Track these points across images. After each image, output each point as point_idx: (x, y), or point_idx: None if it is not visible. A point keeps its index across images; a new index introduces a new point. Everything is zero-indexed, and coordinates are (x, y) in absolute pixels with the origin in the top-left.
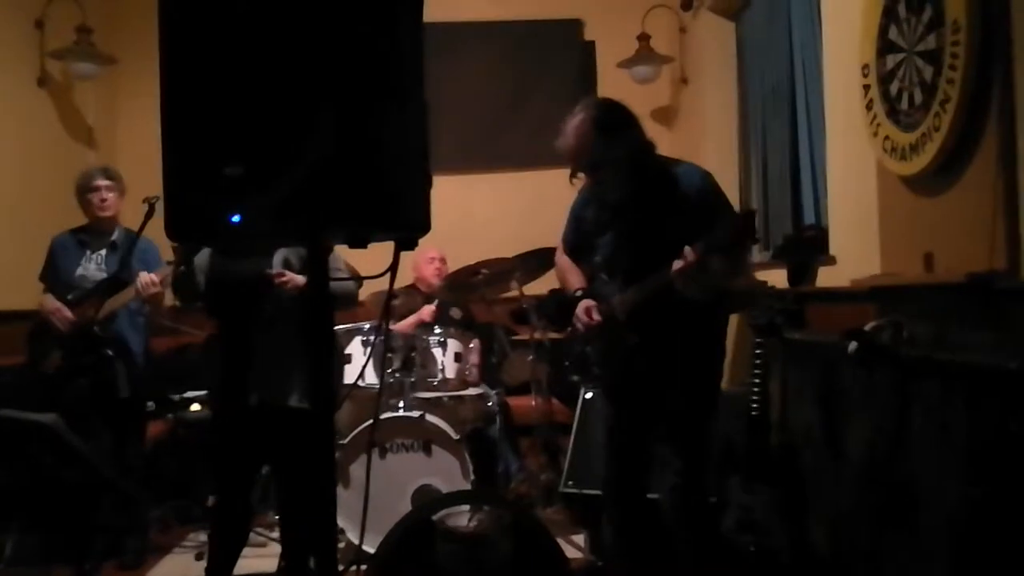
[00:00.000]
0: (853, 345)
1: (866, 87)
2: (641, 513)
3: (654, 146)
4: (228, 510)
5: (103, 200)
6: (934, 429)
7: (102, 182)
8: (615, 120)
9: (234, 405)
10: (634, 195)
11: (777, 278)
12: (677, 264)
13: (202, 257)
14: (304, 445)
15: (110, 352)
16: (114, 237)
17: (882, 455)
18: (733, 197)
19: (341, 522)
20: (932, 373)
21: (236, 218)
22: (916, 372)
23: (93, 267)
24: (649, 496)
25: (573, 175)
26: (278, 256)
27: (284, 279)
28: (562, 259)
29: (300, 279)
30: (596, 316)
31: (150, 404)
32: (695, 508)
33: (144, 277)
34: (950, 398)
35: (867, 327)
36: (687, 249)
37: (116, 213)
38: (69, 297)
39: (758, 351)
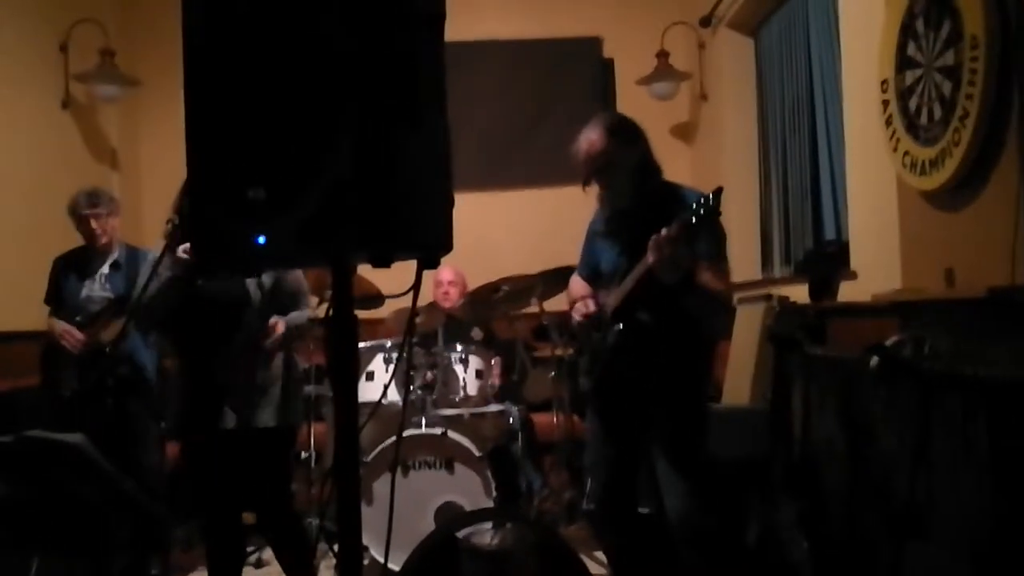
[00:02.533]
0: (875, 360)
1: (885, 102)
2: (633, 527)
3: (660, 168)
4: (216, 533)
5: (92, 230)
6: (956, 444)
7: (87, 212)
8: (627, 129)
9: (206, 429)
10: (638, 205)
11: (798, 293)
12: (654, 243)
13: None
14: (280, 463)
15: (124, 371)
16: (116, 256)
17: (904, 470)
18: (753, 212)
19: (365, 540)
20: (954, 388)
21: (261, 240)
22: (938, 387)
23: (97, 287)
24: (640, 511)
25: (586, 182)
26: (251, 279)
27: (275, 336)
28: (574, 278)
29: (281, 328)
30: (591, 307)
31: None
32: (703, 526)
33: None
34: (972, 413)
35: (888, 342)
36: (663, 230)
37: (112, 235)
38: (78, 319)
39: (780, 366)
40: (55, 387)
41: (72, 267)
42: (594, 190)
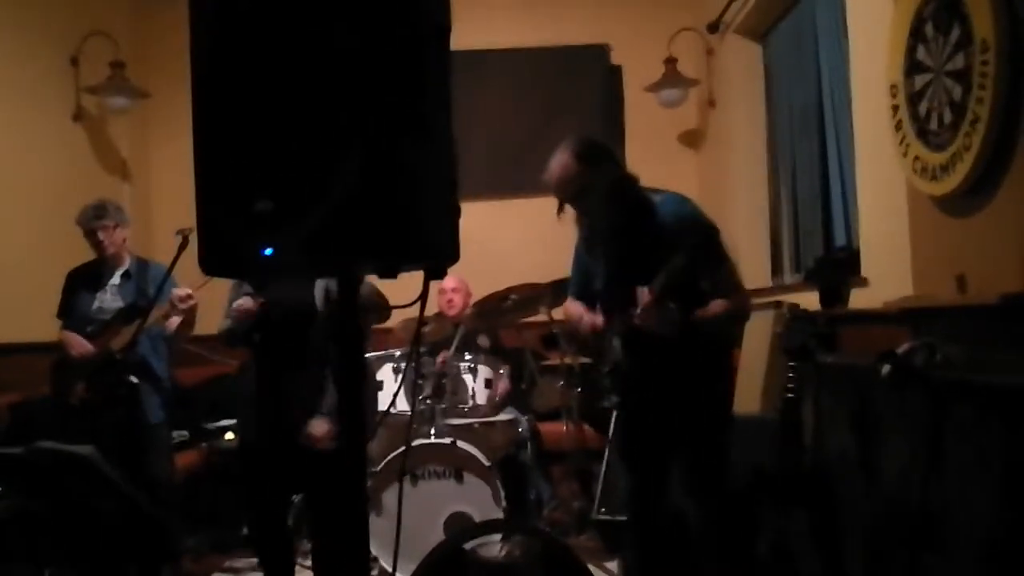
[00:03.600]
0: (886, 368)
1: (895, 107)
2: (660, 534)
3: (635, 178)
4: (267, 540)
5: (100, 242)
6: (969, 452)
7: (93, 224)
8: (593, 152)
9: (264, 437)
10: (615, 224)
11: (809, 300)
12: (639, 308)
13: (235, 291)
14: (332, 476)
15: (134, 379)
16: (127, 267)
17: (916, 479)
18: (762, 219)
19: (374, 550)
20: (967, 396)
21: (268, 251)
22: (950, 395)
23: (109, 298)
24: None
25: (560, 209)
26: (319, 288)
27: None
28: (569, 302)
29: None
30: (599, 321)
31: (183, 433)
32: (721, 533)
33: (177, 292)
34: (985, 421)
35: (900, 349)
36: (644, 291)
37: (120, 247)
38: (88, 330)
39: (791, 374)
40: (65, 397)
41: (84, 280)
42: (570, 214)
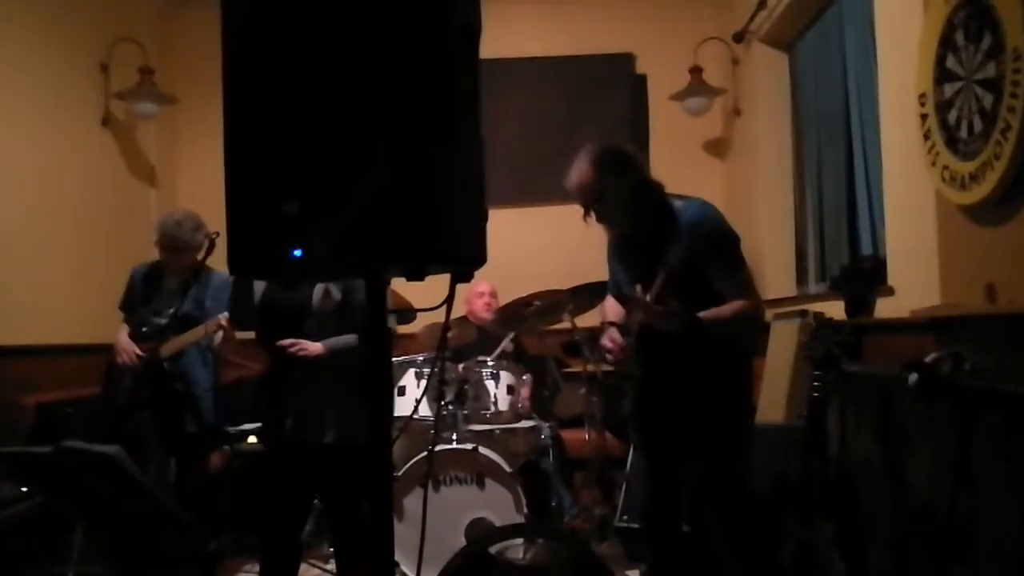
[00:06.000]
0: (914, 377)
1: (923, 116)
2: (674, 546)
3: (658, 185)
4: (274, 546)
5: (167, 259)
6: (997, 462)
7: (167, 244)
8: (614, 158)
9: (278, 441)
10: (639, 228)
11: (834, 309)
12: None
13: (259, 284)
14: (345, 481)
15: (178, 387)
16: (187, 275)
17: (943, 489)
18: (787, 228)
19: (396, 555)
20: (995, 405)
21: (297, 253)
22: (978, 404)
23: (165, 303)
24: (685, 528)
25: (586, 213)
26: (318, 288)
27: (295, 348)
28: (608, 298)
29: (314, 348)
30: (618, 350)
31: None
32: (745, 542)
33: (216, 321)
34: (1014, 431)
35: (927, 359)
36: (637, 289)
37: (187, 263)
38: (144, 330)
39: (816, 383)
40: (112, 398)
41: (145, 280)
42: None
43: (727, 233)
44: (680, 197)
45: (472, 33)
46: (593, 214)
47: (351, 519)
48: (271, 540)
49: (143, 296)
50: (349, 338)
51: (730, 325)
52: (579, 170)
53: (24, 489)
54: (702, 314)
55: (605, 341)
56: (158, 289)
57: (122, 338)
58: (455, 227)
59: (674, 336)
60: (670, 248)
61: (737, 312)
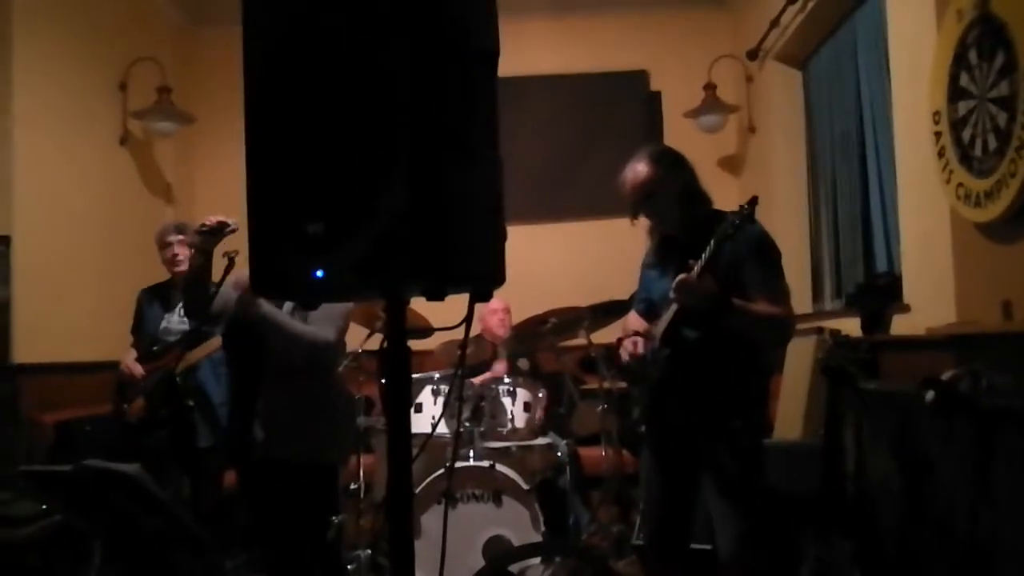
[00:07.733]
0: (931, 394)
1: (937, 134)
2: (686, 564)
3: (709, 197)
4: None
5: (175, 255)
6: (1018, 480)
7: (173, 238)
8: (667, 157)
9: (243, 457)
10: (685, 232)
11: (850, 326)
12: (676, 287)
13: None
14: (300, 501)
15: (191, 403)
16: None
17: (962, 507)
18: (803, 245)
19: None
20: (1014, 423)
21: (319, 273)
22: (997, 422)
23: (176, 320)
24: (695, 547)
25: (634, 214)
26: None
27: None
28: (631, 312)
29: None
30: (640, 348)
31: None
32: (755, 564)
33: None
34: None
35: (945, 376)
36: (682, 275)
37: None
38: (154, 348)
39: (832, 401)
40: (123, 414)
41: (154, 298)
42: (643, 224)
43: (772, 243)
44: (725, 212)
45: (491, 56)
46: (642, 212)
47: (296, 541)
48: (261, 560)
49: (152, 317)
50: (284, 317)
51: (756, 325)
52: (635, 167)
53: (44, 507)
54: (736, 301)
55: (628, 343)
56: (167, 307)
57: (126, 359)
58: (474, 247)
59: (696, 346)
60: (724, 259)
61: (767, 315)
